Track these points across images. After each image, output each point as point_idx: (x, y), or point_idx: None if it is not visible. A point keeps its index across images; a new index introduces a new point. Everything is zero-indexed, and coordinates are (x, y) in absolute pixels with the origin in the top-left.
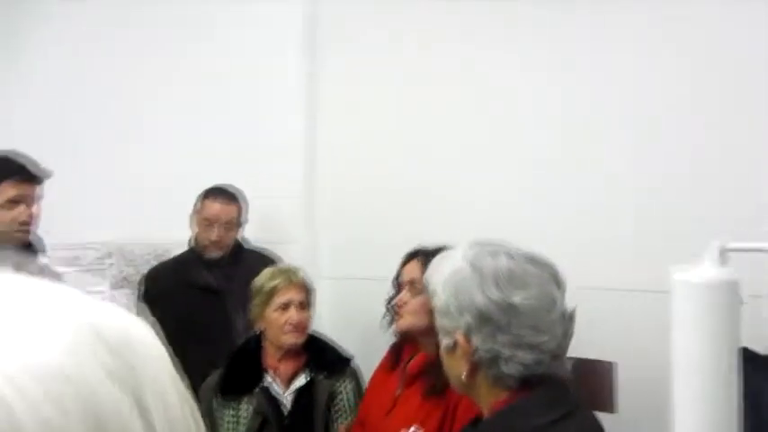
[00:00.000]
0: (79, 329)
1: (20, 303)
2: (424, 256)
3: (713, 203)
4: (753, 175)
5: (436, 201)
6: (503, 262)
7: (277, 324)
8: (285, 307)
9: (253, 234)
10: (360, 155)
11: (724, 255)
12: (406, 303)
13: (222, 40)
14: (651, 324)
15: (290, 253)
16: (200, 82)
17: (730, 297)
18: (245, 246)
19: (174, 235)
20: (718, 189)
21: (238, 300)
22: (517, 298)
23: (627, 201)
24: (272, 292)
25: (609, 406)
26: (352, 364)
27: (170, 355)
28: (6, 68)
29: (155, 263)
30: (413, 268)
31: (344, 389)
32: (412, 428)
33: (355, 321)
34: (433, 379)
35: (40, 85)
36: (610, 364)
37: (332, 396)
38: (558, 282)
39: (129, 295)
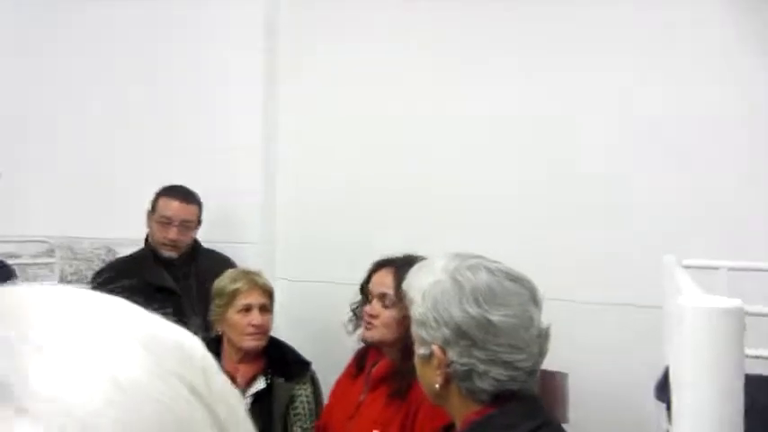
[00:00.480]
0: (151, 343)
1: (93, 318)
2: (395, 267)
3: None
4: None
5: (394, 206)
6: (483, 277)
7: (239, 326)
8: (247, 309)
9: (207, 234)
10: (319, 157)
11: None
12: (377, 316)
13: (180, 37)
14: (602, 335)
15: (245, 253)
16: (156, 79)
17: (739, 321)
18: (201, 246)
19: (121, 231)
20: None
21: (194, 300)
22: (496, 316)
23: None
24: (234, 294)
25: (562, 416)
26: (310, 369)
27: None
28: None
29: (105, 258)
30: (384, 279)
31: (303, 393)
32: None
33: (309, 323)
34: (396, 383)
35: None
36: (562, 374)
37: (291, 400)
38: (535, 300)
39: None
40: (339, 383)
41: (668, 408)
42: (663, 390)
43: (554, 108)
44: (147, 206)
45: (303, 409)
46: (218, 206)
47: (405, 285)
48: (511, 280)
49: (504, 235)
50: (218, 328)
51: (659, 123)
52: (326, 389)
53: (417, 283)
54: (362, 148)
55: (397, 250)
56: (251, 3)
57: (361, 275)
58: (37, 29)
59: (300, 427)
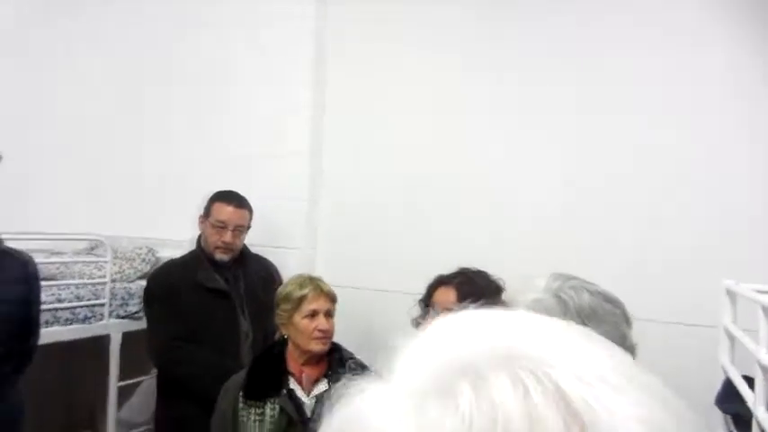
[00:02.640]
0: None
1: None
2: (456, 284)
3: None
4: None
5: (437, 216)
6: (585, 297)
7: (306, 331)
8: (314, 314)
9: (250, 238)
10: (364, 167)
11: None
12: None
13: (233, 45)
14: (660, 352)
15: (286, 258)
16: (205, 86)
17: None
18: (249, 250)
19: (162, 232)
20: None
21: (243, 302)
22: (596, 334)
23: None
24: (301, 300)
25: None
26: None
27: (175, 351)
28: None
29: (146, 258)
30: (447, 296)
31: None
32: None
33: (350, 329)
34: None
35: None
36: None
37: None
38: (627, 319)
39: (129, 290)
40: None
41: (733, 417)
42: (724, 401)
43: (612, 122)
44: (198, 210)
45: None
46: (262, 211)
47: (507, 300)
48: (607, 301)
49: (557, 249)
50: (284, 332)
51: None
52: None
53: (520, 300)
54: (408, 159)
55: (439, 259)
56: (301, 14)
57: (401, 283)
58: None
59: None
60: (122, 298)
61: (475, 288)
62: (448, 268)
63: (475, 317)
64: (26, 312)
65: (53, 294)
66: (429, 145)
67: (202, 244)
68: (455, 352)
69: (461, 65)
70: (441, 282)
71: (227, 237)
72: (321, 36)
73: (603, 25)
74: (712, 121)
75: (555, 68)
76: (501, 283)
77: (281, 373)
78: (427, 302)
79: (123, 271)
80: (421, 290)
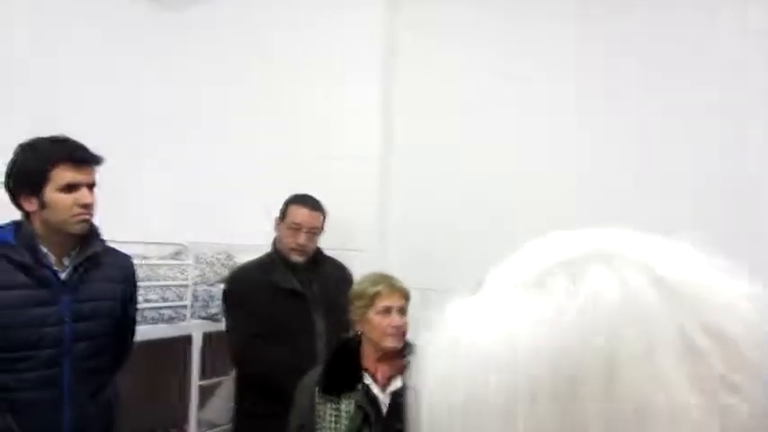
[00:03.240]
0: None
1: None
2: None
3: None
4: None
5: (504, 221)
6: None
7: (380, 327)
8: (387, 311)
9: (322, 240)
10: (434, 169)
11: None
12: None
13: (303, 49)
14: None
15: (357, 261)
16: (277, 89)
17: None
18: (323, 252)
19: (240, 238)
20: None
21: (317, 302)
22: None
23: None
24: (375, 297)
25: None
26: None
27: (253, 350)
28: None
29: (225, 263)
30: None
31: None
32: None
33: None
34: None
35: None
36: None
37: None
38: None
39: (210, 292)
40: None
41: None
42: None
43: (674, 123)
44: (276, 213)
45: None
46: (334, 214)
47: None
48: None
49: None
50: (358, 329)
51: None
52: None
53: None
54: (478, 160)
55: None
56: (371, 20)
57: (465, 283)
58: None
59: None
60: (204, 300)
61: None
62: None
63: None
64: (126, 310)
65: (141, 295)
66: (498, 145)
67: (278, 246)
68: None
69: (532, 65)
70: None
71: (302, 239)
72: (390, 37)
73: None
74: None
75: (623, 69)
76: None
77: (357, 369)
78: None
79: (204, 274)
80: None
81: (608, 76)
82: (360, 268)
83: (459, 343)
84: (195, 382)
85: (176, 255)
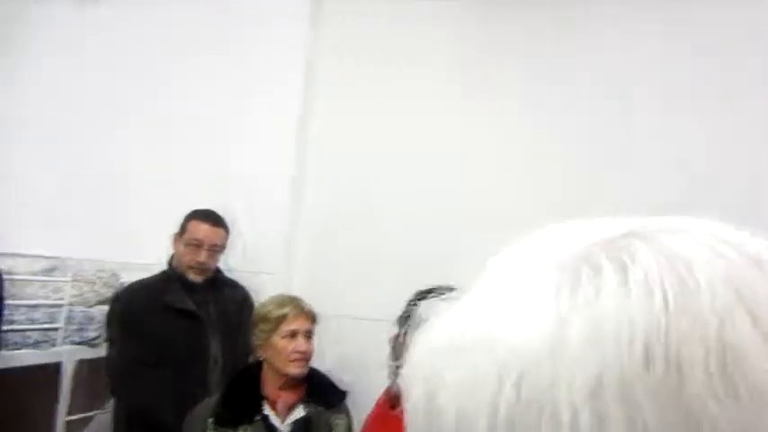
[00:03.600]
0: None
1: None
2: (440, 294)
3: None
4: None
5: (413, 244)
6: None
7: (284, 352)
8: (293, 335)
9: (226, 262)
10: (346, 194)
11: None
12: None
13: (215, 64)
14: None
15: (262, 283)
16: (179, 100)
17: None
18: (222, 273)
19: (128, 256)
20: None
21: (213, 325)
22: None
23: None
24: (280, 320)
25: None
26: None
27: (139, 377)
28: None
29: (108, 282)
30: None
31: (341, 423)
32: None
33: (325, 357)
34: None
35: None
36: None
37: (329, 429)
38: None
39: (89, 314)
40: (377, 418)
41: None
42: None
43: (586, 135)
44: (170, 232)
45: None
46: (238, 233)
47: None
48: None
49: None
50: (261, 354)
51: None
52: None
53: None
54: (390, 188)
55: (419, 287)
56: (291, 39)
57: (380, 311)
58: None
59: None
60: (80, 323)
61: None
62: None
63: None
64: None
65: (5, 315)
66: (413, 169)
67: (174, 263)
68: (592, 233)
69: (452, 88)
70: (423, 296)
71: (202, 256)
72: (311, 61)
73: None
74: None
75: (544, 82)
76: None
77: (256, 398)
78: (407, 318)
79: (83, 294)
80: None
81: (527, 95)
82: (264, 292)
83: (491, 337)
84: (62, 417)
85: (50, 272)
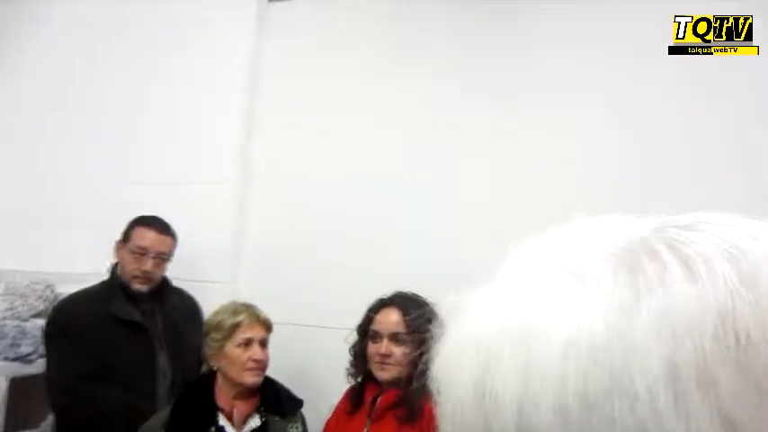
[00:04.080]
0: None
1: None
2: (396, 304)
3: None
4: None
5: (359, 254)
6: None
7: (239, 361)
8: (248, 343)
9: (170, 271)
10: (294, 199)
11: None
12: (390, 355)
13: (157, 67)
14: None
15: (208, 292)
16: (119, 102)
17: None
18: (170, 283)
19: (63, 266)
20: None
21: (160, 336)
22: None
23: None
24: (234, 328)
25: None
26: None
27: (83, 392)
28: None
29: (43, 295)
30: (390, 317)
31: (296, 431)
32: None
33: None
34: (407, 409)
35: None
36: None
37: None
38: None
39: (23, 329)
40: (333, 422)
41: None
42: None
43: (535, 144)
44: (109, 241)
45: None
46: (181, 242)
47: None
48: None
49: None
50: (214, 363)
51: None
52: None
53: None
54: (338, 191)
55: (367, 295)
56: (236, 45)
57: (328, 319)
58: None
59: None
60: (13, 338)
61: (417, 306)
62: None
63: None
64: None
65: None
66: (361, 174)
67: (118, 272)
68: (634, 225)
69: (397, 93)
70: (382, 304)
71: (148, 265)
72: (254, 63)
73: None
74: None
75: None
76: (434, 305)
77: (210, 409)
78: (366, 329)
79: (15, 308)
80: (347, 325)
81: (490, 96)
82: (211, 301)
83: (551, 324)
84: None
85: None
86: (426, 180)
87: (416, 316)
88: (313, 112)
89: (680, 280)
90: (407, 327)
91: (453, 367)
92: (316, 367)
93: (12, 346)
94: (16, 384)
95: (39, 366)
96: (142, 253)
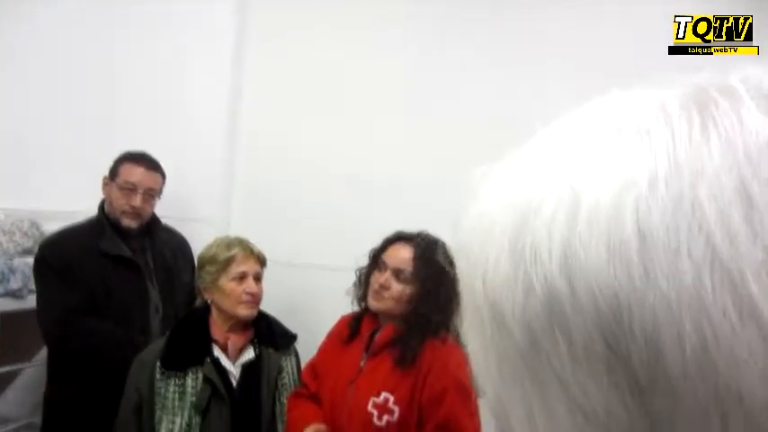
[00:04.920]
0: None
1: None
2: (414, 244)
3: None
4: None
5: (361, 187)
6: None
7: (233, 294)
8: (242, 277)
9: (160, 208)
10: (285, 133)
11: None
12: (389, 288)
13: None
14: None
15: (197, 230)
16: (108, 39)
17: None
18: (159, 220)
19: (48, 203)
20: None
21: (151, 273)
22: None
23: None
24: (229, 262)
25: None
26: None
27: (72, 324)
28: None
29: (29, 233)
30: (402, 253)
31: (289, 364)
32: (382, 395)
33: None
34: (402, 350)
35: None
36: None
37: (279, 371)
38: None
39: (10, 265)
40: (326, 351)
41: None
42: None
43: (516, 107)
44: (96, 177)
45: (289, 380)
46: (170, 179)
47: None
48: None
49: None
50: (207, 297)
51: None
52: None
53: None
54: (325, 129)
55: (356, 235)
56: None
57: (319, 257)
58: None
59: (287, 397)
60: (2, 273)
61: (433, 254)
62: (368, 243)
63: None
64: None
65: None
66: (353, 116)
67: (106, 209)
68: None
69: (389, 26)
70: (400, 237)
71: (137, 200)
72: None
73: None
74: None
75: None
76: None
77: (205, 341)
78: (377, 257)
79: (1, 245)
80: (338, 264)
81: (470, 76)
82: (200, 239)
83: (578, 204)
84: None
85: None
86: (422, 118)
87: (429, 262)
88: (304, 48)
89: (752, 110)
90: (414, 268)
91: (486, 227)
92: (303, 306)
93: (1, 281)
94: (8, 319)
95: (30, 302)
96: (131, 189)
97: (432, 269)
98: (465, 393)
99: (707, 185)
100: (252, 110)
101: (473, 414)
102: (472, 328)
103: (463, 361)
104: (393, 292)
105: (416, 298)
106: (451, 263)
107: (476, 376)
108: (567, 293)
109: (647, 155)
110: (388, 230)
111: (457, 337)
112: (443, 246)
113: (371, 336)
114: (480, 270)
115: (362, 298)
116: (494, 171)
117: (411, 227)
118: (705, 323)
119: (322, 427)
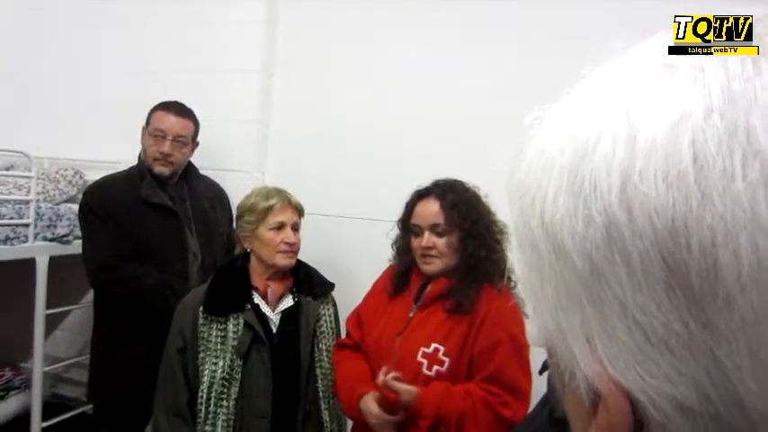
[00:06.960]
0: None
1: None
2: (436, 194)
3: None
4: None
5: (385, 146)
6: None
7: (272, 243)
8: (280, 227)
9: (197, 159)
10: (319, 87)
11: None
12: (433, 247)
13: None
14: None
15: (233, 181)
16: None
17: None
18: (197, 170)
19: (90, 153)
20: None
21: (190, 221)
22: None
23: None
24: (267, 212)
25: None
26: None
27: (117, 270)
28: None
29: (72, 181)
30: (430, 209)
31: (327, 313)
32: (432, 346)
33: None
34: (458, 298)
35: None
36: None
37: (317, 318)
38: None
39: (57, 211)
40: (372, 301)
41: None
42: None
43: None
44: (136, 129)
45: (327, 327)
46: (207, 132)
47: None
48: None
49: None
50: (247, 245)
51: None
52: None
53: None
54: (365, 80)
55: (393, 185)
56: None
57: (354, 207)
58: None
59: (324, 344)
60: (50, 219)
61: (457, 195)
62: (402, 193)
63: None
64: None
65: None
66: (388, 66)
67: (142, 157)
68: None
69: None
70: (419, 195)
71: (166, 147)
72: None
73: None
74: None
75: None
76: (477, 190)
77: (245, 288)
78: (407, 223)
79: (48, 192)
80: (374, 215)
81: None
82: (237, 190)
83: (635, 138)
84: (41, 311)
85: (9, 169)
86: (453, 68)
87: (456, 203)
88: (340, 4)
89: None
90: (447, 216)
91: (544, 165)
92: (338, 256)
93: (49, 227)
94: (56, 263)
95: (76, 247)
96: (161, 136)
97: (462, 208)
98: (517, 347)
99: (760, 113)
100: (287, 60)
101: (524, 368)
102: (529, 263)
103: (518, 313)
104: (439, 248)
105: (461, 242)
106: (476, 194)
107: (531, 309)
108: (625, 221)
109: (701, 89)
110: (421, 182)
111: (509, 280)
112: (461, 183)
113: (422, 288)
114: (539, 206)
115: (405, 265)
116: (547, 113)
117: (451, 174)
118: (760, 239)
119: (398, 374)
